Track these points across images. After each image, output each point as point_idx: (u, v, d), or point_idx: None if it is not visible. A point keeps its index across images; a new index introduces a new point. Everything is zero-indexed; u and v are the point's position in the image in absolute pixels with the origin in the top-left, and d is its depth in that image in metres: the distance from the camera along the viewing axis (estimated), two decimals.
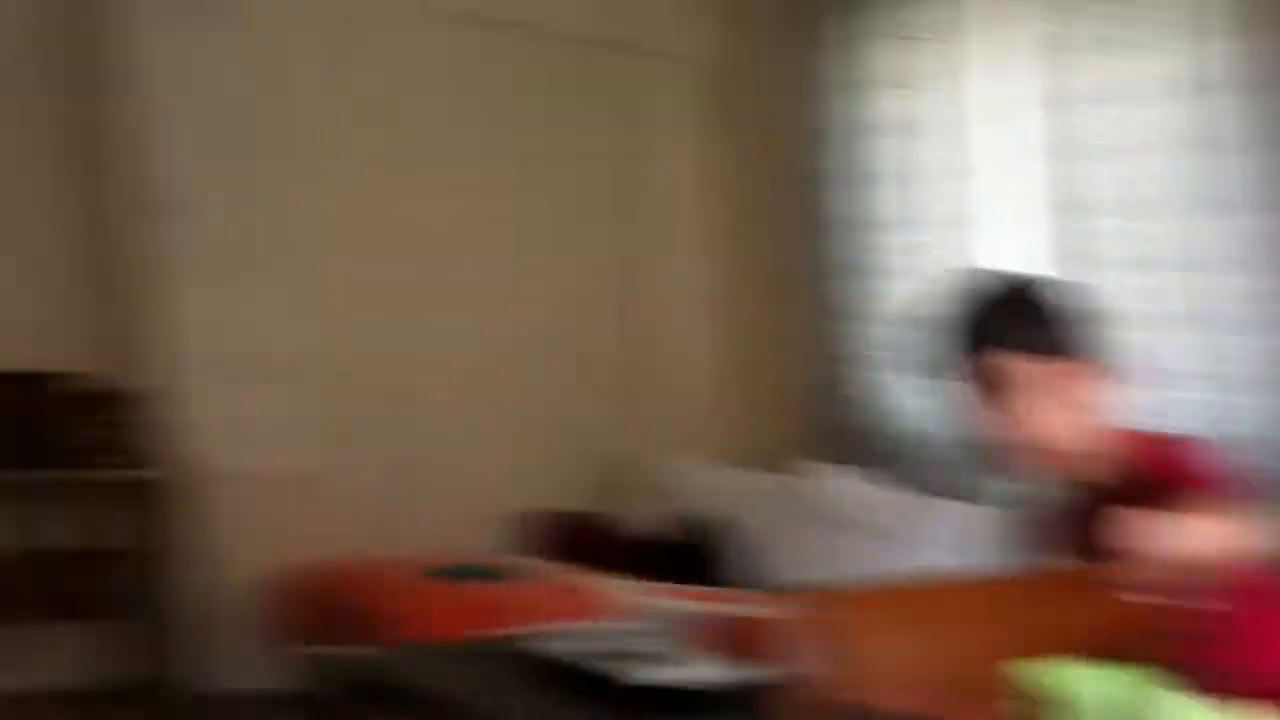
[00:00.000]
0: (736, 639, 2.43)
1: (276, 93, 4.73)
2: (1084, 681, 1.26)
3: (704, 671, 2.30)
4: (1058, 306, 1.78)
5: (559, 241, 5.29)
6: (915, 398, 4.51)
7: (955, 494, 4.33)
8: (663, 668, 2.34)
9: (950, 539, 4.08)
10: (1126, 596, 1.28)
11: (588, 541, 4.89)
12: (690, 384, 5.51)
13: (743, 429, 5.43)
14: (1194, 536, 1.29)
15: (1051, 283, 1.85)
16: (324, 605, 4.37)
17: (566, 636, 2.65)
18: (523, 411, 5.16)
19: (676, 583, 4.15)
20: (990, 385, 1.71)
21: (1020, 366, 1.70)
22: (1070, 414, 1.71)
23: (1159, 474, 1.60)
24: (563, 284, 5.28)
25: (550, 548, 4.93)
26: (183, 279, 4.64)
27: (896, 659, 1.16)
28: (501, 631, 3.02)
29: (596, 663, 2.43)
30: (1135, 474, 1.66)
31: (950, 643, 1.19)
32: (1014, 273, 1.85)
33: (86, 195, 4.74)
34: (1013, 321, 1.74)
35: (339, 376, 4.92)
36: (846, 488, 4.61)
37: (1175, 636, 1.34)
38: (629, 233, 5.47)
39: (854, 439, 4.93)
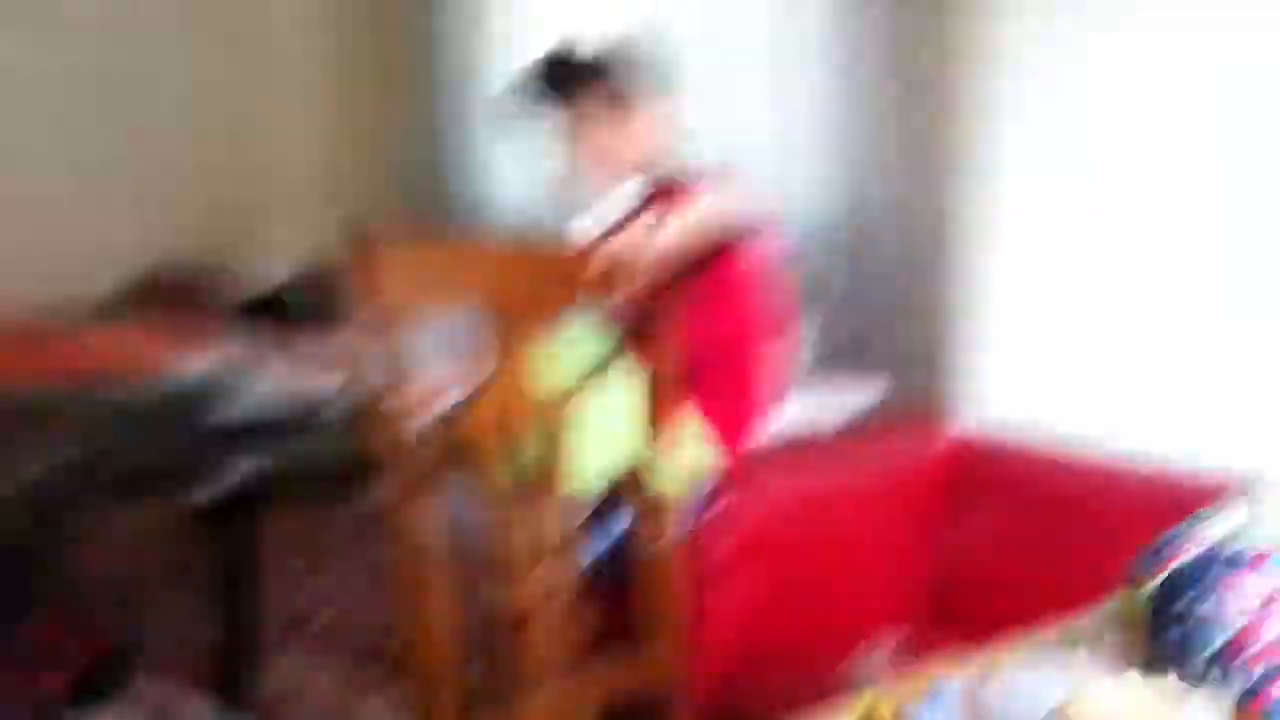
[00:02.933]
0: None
1: None
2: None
3: (288, 398, 2.55)
4: (632, 60, 2.04)
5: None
6: (516, 165, 4.59)
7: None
8: (249, 402, 2.56)
9: None
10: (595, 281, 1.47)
11: (190, 297, 4.65)
12: (298, 141, 5.08)
13: (349, 190, 5.10)
14: (665, 238, 1.59)
15: (627, 41, 2.12)
16: None
17: (155, 381, 2.79)
18: (128, 170, 4.67)
19: (277, 333, 4.08)
20: (574, 126, 1.94)
21: (601, 108, 1.94)
22: (637, 146, 1.97)
23: (679, 190, 1.86)
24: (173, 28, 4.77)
25: (152, 303, 4.59)
26: None
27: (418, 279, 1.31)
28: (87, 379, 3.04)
29: (190, 402, 2.59)
30: (663, 191, 1.91)
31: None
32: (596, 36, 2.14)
33: None
34: (594, 70, 1.97)
35: None
36: None
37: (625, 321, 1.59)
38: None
39: (454, 205, 4.83)
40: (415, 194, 5.08)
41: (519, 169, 4.71)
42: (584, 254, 1.49)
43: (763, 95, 4.29)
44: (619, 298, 1.51)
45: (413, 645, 1.27)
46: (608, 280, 1.48)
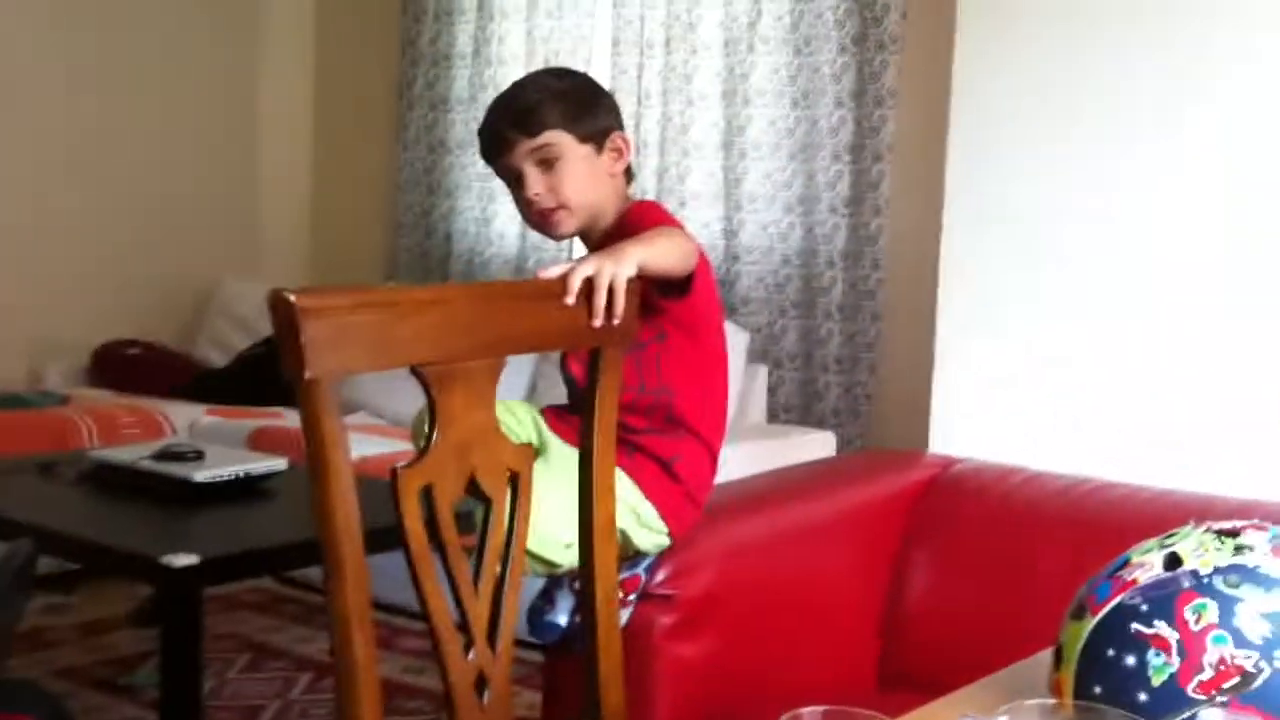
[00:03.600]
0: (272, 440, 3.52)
1: None
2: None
3: (246, 465, 2.86)
4: (596, 92, 2.04)
5: (142, 75, 5.04)
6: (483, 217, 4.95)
7: None
8: (213, 467, 2.82)
9: None
10: (565, 304, 1.48)
11: (154, 370, 4.83)
12: (277, 213, 5.49)
13: (326, 255, 5.48)
14: (621, 263, 1.55)
15: (588, 75, 2.20)
16: None
17: (125, 451, 3.09)
18: (101, 241, 4.96)
19: (240, 404, 4.48)
20: (540, 162, 1.91)
21: (565, 142, 1.91)
22: (601, 182, 1.95)
23: (634, 225, 1.86)
24: (151, 113, 5.08)
25: (120, 377, 4.81)
26: None
27: (362, 340, 1.24)
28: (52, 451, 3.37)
29: (158, 466, 2.83)
30: (622, 227, 1.89)
31: (420, 334, 1.30)
32: (559, 68, 2.23)
33: None
34: (559, 104, 1.93)
35: None
36: None
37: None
38: (219, 68, 5.30)
39: (433, 261, 5.10)
40: (407, 250, 5.15)
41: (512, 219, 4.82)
42: (553, 282, 1.49)
43: (714, 145, 4.37)
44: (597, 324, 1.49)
45: None
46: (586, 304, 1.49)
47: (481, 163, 4.90)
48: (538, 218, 1.97)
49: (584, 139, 1.95)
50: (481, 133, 2.00)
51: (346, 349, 1.23)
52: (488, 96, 4.97)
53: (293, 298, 1.17)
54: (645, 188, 4.57)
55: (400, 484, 1.29)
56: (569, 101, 1.95)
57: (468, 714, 1.34)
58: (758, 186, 4.30)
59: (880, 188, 4.07)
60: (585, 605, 1.50)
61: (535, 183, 1.93)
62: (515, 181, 1.96)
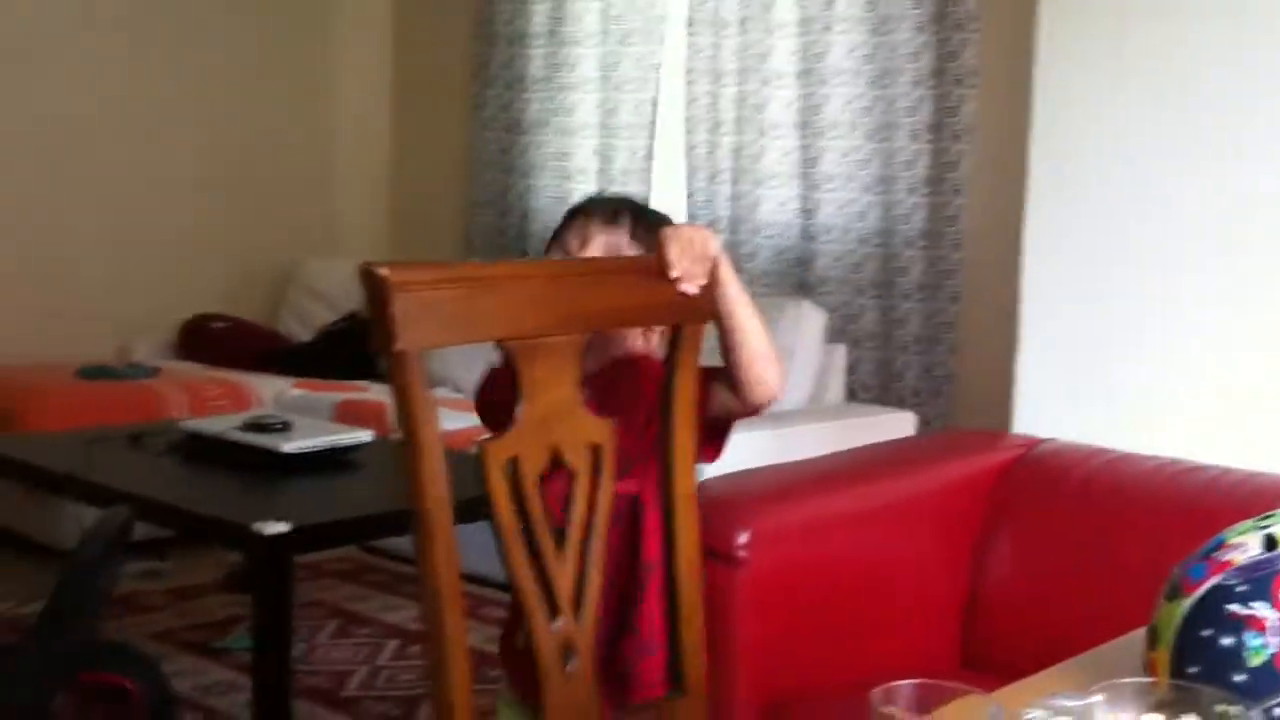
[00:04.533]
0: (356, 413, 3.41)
1: None
2: None
3: (333, 437, 2.92)
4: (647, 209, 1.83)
5: (227, 58, 5.11)
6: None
7: None
8: (301, 438, 2.86)
9: None
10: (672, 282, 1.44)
11: (240, 344, 4.89)
12: (357, 192, 5.51)
13: (404, 234, 5.47)
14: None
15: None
16: None
17: (214, 421, 3.18)
18: (188, 222, 5.03)
19: (323, 378, 4.50)
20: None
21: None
22: None
23: None
24: (235, 95, 5.14)
25: (207, 351, 4.89)
26: None
27: (447, 314, 1.23)
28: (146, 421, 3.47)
29: (247, 437, 2.88)
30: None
31: (503, 309, 1.29)
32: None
33: None
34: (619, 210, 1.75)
35: None
36: None
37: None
38: (301, 50, 5.35)
39: (509, 239, 5.07)
40: (484, 229, 5.19)
41: None
42: (640, 257, 1.47)
43: (790, 125, 4.33)
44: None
45: (440, 702, 1.25)
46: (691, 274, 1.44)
47: (556, 142, 5.00)
48: None
49: None
50: (591, 200, 1.85)
51: (434, 322, 1.23)
52: (563, 76, 4.97)
53: (383, 271, 1.17)
54: (720, 167, 4.54)
55: (487, 456, 1.30)
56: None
57: (554, 681, 1.34)
58: (834, 166, 4.26)
59: (959, 168, 4.01)
60: (668, 577, 1.50)
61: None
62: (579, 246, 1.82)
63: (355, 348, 4.80)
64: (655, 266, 1.46)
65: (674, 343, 1.50)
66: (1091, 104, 2.54)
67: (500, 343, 1.31)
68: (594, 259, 1.62)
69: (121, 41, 4.96)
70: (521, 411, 1.33)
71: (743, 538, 1.91)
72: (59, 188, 4.86)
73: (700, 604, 1.51)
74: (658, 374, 1.53)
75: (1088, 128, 2.55)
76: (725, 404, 1.59)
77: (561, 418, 1.37)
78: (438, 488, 1.21)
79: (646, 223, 1.72)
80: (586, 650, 1.38)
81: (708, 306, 1.52)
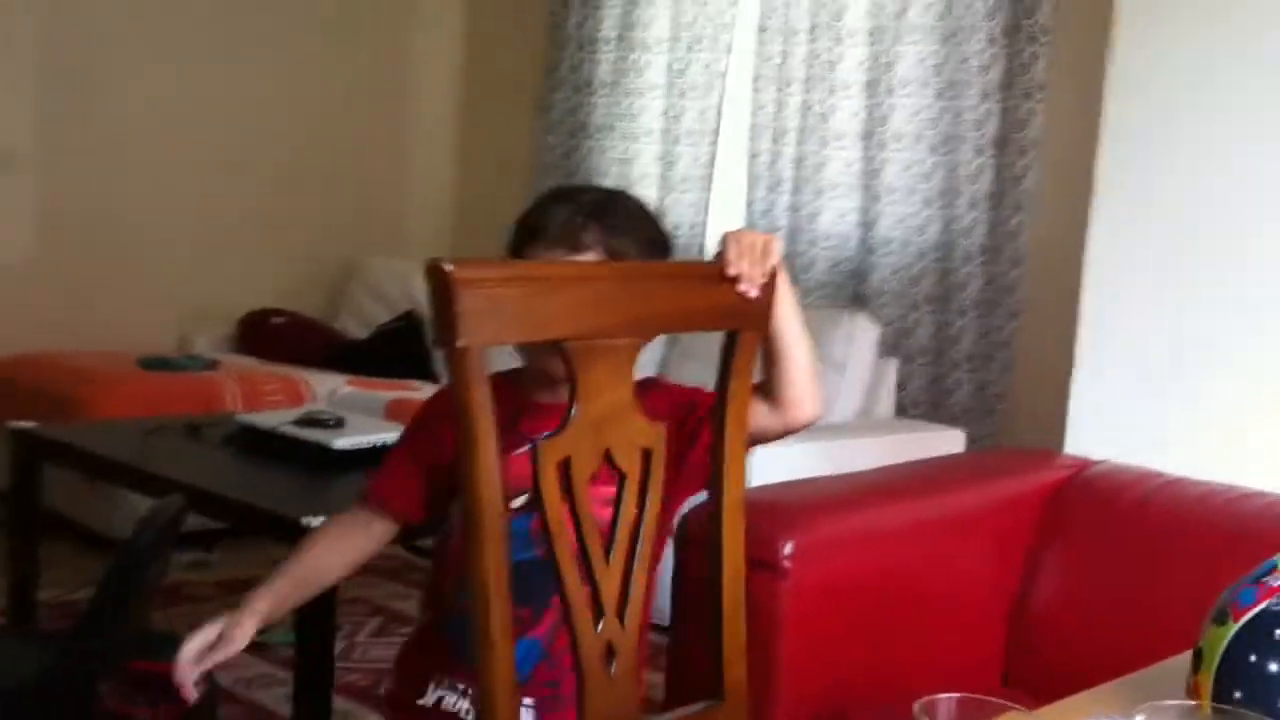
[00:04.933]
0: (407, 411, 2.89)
1: None
2: None
3: (383, 435, 2.83)
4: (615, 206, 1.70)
5: (296, 55, 5.21)
6: None
7: None
8: (352, 435, 2.90)
9: None
10: (732, 285, 1.45)
11: (297, 339, 4.96)
12: (421, 192, 5.59)
13: (467, 236, 5.53)
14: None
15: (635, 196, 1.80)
16: (33, 392, 4.24)
17: (269, 416, 3.22)
18: (252, 215, 5.12)
19: (377, 376, 4.57)
20: None
21: None
22: None
23: None
24: (303, 93, 5.23)
25: (264, 345, 4.97)
26: None
27: (511, 312, 1.26)
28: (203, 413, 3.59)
29: (300, 432, 2.93)
30: None
31: (565, 309, 1.31)
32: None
33: None
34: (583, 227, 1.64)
35: (60, 170, 4.76)
36: None
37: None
38: (370, 49, 5.43)
39: None
40: None
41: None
42: (699, 264, 1.48)
43: (854, 135, 4.33)
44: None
45: (485, 699, 1.27)
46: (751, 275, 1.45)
47: (620, 147, 5.03)
48: None
49: None
50: (545, 215, 1.67)
51: (496, 320, 1.25)
52: (630, 81, 5.01)
53: (448, 268, 1.20)
54: (782, 177, 4.55)
55: (540, 455, 1.32)
56: (650, 252, 1.69)
57: (596, 684, 1.36)
58: (897, 178, 4.26)
59: (1024, 183, 4.00)
60: (711, 584, 1.51)
61: None
62: None
63: (409, 347, 4.87)
64: (716, 271, 1.48)
65: (729, 349, 1.51)
66: (1162, 121, 2.53)
67: (558, 344, 1.33)
68: (656, 265, 1.65)
69: (198, 37, 5.06)
70: (575, 412, 1.35)
71: (788, 548, 1.93)
72: (126, 181, 4.96)
73: (742, 612, 1.53)
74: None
75: (1158, 146, 2.54)
76: (761, 422, 1.56)
77: (615, 421, 1.39)
78: (489, 482, 1.24)
79: (621, 228, 1.62)
80: (629, 653, 1.41)
81: (765, 314, 1.54)
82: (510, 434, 1.45)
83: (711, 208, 4.84)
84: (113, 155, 4.91)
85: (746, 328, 1.52)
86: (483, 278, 1.25)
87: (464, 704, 1.63)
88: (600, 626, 1.37)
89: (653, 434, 1.44)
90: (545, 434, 1.32)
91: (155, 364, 4.51)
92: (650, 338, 1.41)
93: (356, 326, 5.21)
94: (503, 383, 1.45)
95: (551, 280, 1.34)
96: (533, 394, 1.64)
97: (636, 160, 5.01)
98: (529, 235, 1.65)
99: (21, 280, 4.77)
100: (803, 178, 4.49)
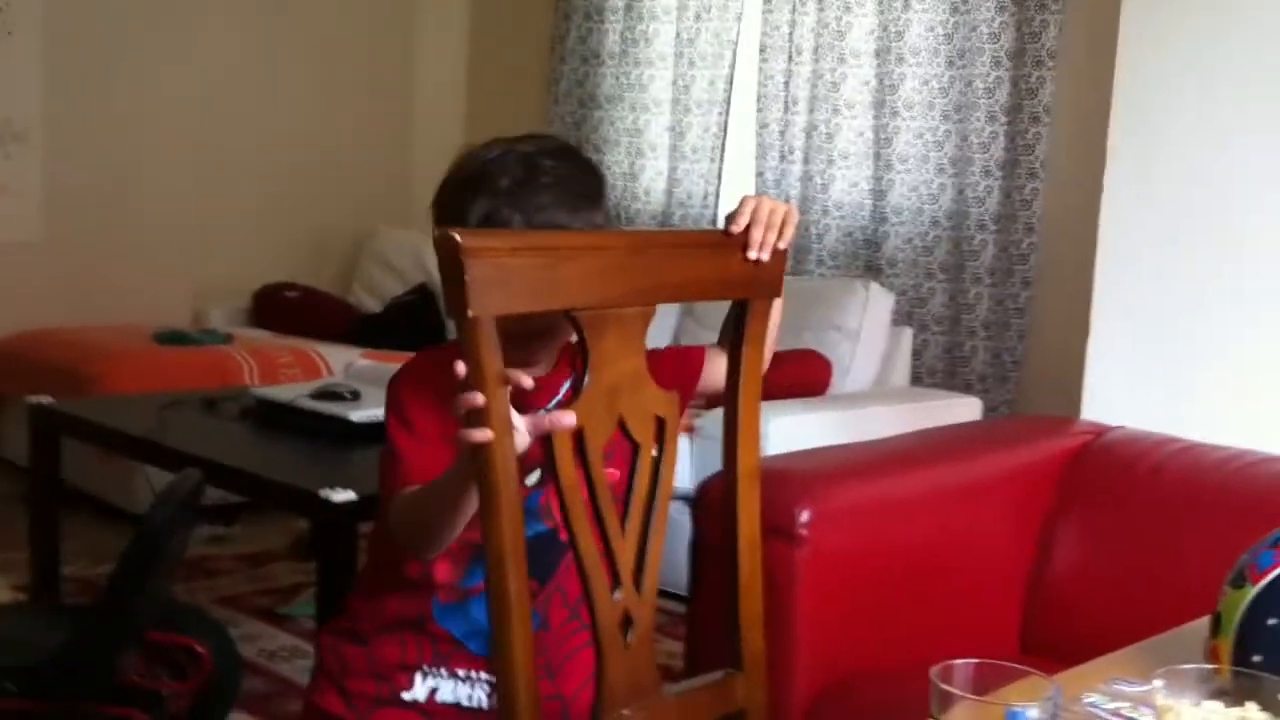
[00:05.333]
0: None
1: None
2: None
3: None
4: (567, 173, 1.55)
5: (304, 30, 5.20)
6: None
7: None
8: (369, 407, 2.79)
9: None
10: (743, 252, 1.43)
11: (311, 313, 4.97)
12: (430, 164, 5.54)
13: None
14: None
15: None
16: (48, 367, 4.28)
17: (285, 389, 3.17)
18: (263, 192, 5.11)
19: (392, 349, 4.48)
20: None
21: None
22: None
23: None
24: (312, 67, 5.22)
25: (279, 319, 4.98)
26: None
27: (522, 281, 1.25)
28: (219, 387, 3.55)
29: (317, 405, 2.90)
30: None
31: (577, 278, 1.30)
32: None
33: None
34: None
35: (69, 146, 4.77)
36: None
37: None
38: (377, 23, 5.42)
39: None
40: None
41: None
42: (709, 231, 1.46)
43: (865, 104, 4.30)
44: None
45: (500, 667, 1.27)
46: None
47: (630, 118, 5.01)
48: (512, 339, 1.38)
49: None
50: (466, 210, 1.52)
51: (507, 289, 1.25)
52: (639, 51, 4.98)
53: (458, 238, 1.20)
54: (793, 146, 4.53)
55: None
56: (588, 205, 1.55)
57: (613, 651, 1.36)
58: (909, 147, 4.23)
59: (1036, 151, 3.97)
60: (728, 552, 1.51)
61: None
62: None
63: (423, 320, 4.86)
64: (727, 240, 1.47)
65: (741, 318, 1.51)
66: (1175, 88, 2.50)
67: (569, 313, 1.33)
68: (666, 233, 1.64)
69: (208, 13, 5.05)
70: (588, 382, 1.34)
71: (804, 516, 1.92)
72: (139, 156, 4.96)
73: (759, 580, 1.52)
74: None
75: (1171, 112, 2.51)
76: (717, 381, 1.53)
77: (629, 389, 1.38)
78: (503, 452, 1.23)
79: (547, 207, 1.48)
80: (646, 621, 1.40)
81: (777, 282, 1.53)
82: None
83: (723, 178, 4.82)
84: (125, 130, 4.90)
85: (758, 296, 1.51)
86: (492, 247, 1.24)
87: (470, 690, 1.56)
88: (617, 595, 1.37)
89: (666, 402, 1.43)
90: (546, 407, 1.31)
91: (170, 338, 4.51)
92: (656, 306, 1.40)
93: (370, 299, 5.21)
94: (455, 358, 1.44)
95: (561, 250, 1.33)
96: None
97: (646, 131, 4.99)
98: (462, 203, 1.52)
99: (36, 256, 4.78)
100: (814, 147, 4.46)
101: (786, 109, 4.54)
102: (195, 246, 5.07)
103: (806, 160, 4.49)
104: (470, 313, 1.21)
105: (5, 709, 2.16)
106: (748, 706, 1.51)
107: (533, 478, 1.51)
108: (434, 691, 1.56)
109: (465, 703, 1.55)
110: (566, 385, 1.56)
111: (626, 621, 1.38)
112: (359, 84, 5.44)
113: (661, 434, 1.42)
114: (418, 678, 1.55)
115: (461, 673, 1.55)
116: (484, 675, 1.55)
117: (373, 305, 5.16)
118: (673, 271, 1.45)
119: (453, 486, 1.36)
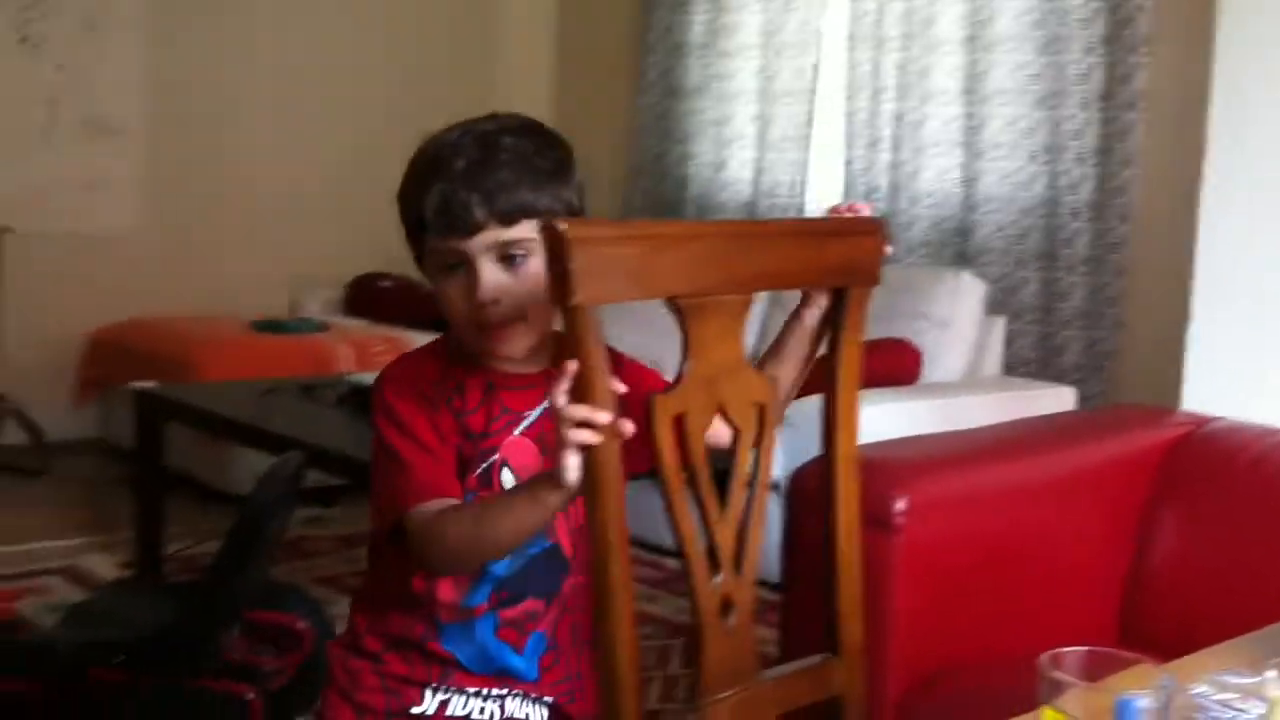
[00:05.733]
0: None
1: None
2: None
3: None
4: (573, 167, 1.48)
5: (393, 24, 5.27)
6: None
7: None
8: None
9: None
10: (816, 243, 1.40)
11: (403, 302, 4.97)
12: None
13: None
14: None
15: (560, 136, 1.50)
16: (148, 355, 4.38)
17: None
18: (358, 183, 5.09)
19: None
20: (503, 257, 1.40)
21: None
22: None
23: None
24: (402, 60, 5.28)
25: (372, 308, 5.03)
26: None
27: (625, 270, 1.25)
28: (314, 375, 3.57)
29: None
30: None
31: (678, 266, 1.30)
32: (528, 122, 1.47)
33: None
34: (545, 187, 1.42)
35: (167, 139, 4.89)
36: None
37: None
38: (465, 16, 5.46)
39: (666, 206, 5.08)
40: (643, 194, 5.25)
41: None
42: (809, 220, 1.45)
43: (955, 91, 4.24)
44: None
45: (603, 649, 1.28)
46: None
47: (716, 108, 4.99)
48: (483, 328, 1.41)
49: None
50: (423, 197, 1.42)
51: (609, 278, 1.25)
52: (723, 42, 4.96)
53: (562, 227, 1.20)
54: (880, 135, 4.49)
55: (655, 411, 1.32)
56: (555, 182, 1.44)
57: (714, 637, 1.36)
58: (1000, 134, 4.17)
59: (1130, 137, 3.89)
60: (828, 538, 1.51)
61: (494, 284, 1.39)
62: (451, 269, 1.41)
63: None
64: (825, 227, 1.47)
65: (838, 307, 1.50)
66: (1276, 69, 2.43)
67: (670, 301, 1.33)
68: (765, 223, 1.64)
69: (305, 10, 5.12)
70: (688, 369, 1.35)
71: (900, 505, 1.91)
72: (236, 146, 5.06)
73: (858, 567, 1.52)
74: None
75: (1272, 93, 2.45)
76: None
77: (728, 376, 1.38)
78: (611, 445, 1.24)
79: (508, 186, 1.39)
80: (746, 606, 1.40)
81: (874, 270, 1.52)
82: (495, 411, 1.40)
83: (810, 167, 4.79)
84: (221, 122, 5.00)
85: (855, 284, 1.50)
86: (596, 236, 1.25)
87: (482, 704, 1.47)
88: (717, 579, 1.37)
89: (765, 389, 1.43)
90: (658, 392, 1.31)
91: (267, 327, 4.60)
92: (754, 294, 1.40)
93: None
94: (440, 357, 1.43)
95: (663, 238, 1.33)
96: (494, 366, 1.44)
97: (731, 121, 4.97)
98: (416, 226, 1.43)
99: (137, 247, 4.90)
100: (902, 135, 4.41)
101: (875, 97, 4.50)
102: (290, 237, 5.16)
103: (895, 148, 4.45)
104: (574, 300, 1.21)
105: (114, 681, 2.22)
106: (845, 693, 1.51)
107: None
108: (444, 704, 1.47)
109: (477, 715, 1.47)
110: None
111: (726, 606, 1.38)
112: (447, 76, 5.49)
113: (761, 421, 1.42)
114: (427, 694, 1.46)
115: (471, 689, 1.47)
116: (494, 690, 1.46)
117: None
118: (770, 259, 1.44)
119: (534, 512, 1.30)
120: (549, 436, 1.33)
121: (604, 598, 1.25)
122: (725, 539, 1.38)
